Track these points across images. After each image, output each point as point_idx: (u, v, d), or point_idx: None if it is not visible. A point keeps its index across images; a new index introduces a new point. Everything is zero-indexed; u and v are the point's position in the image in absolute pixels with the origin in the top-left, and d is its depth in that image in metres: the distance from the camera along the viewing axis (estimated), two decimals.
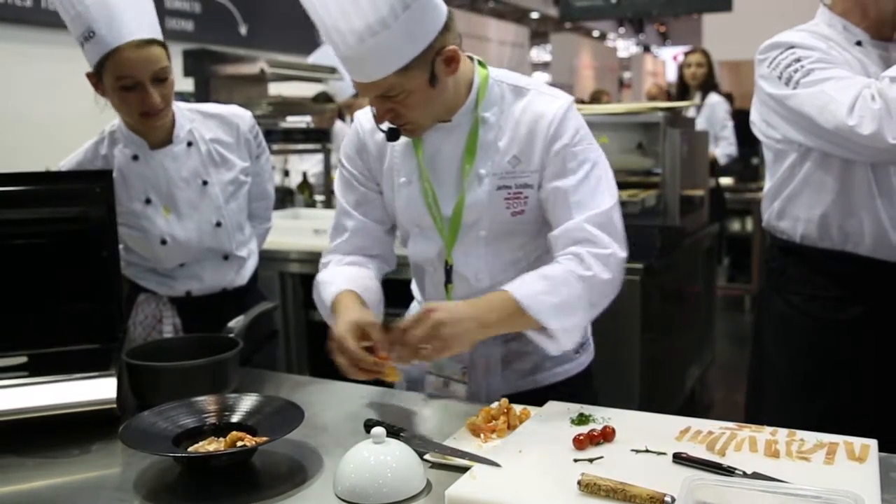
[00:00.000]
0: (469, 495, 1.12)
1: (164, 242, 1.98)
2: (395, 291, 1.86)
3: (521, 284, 1.45)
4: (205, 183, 2.01)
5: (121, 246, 1.92)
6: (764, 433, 1.30)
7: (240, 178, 2.08)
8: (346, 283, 1.59)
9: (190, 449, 1.30)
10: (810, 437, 1.28)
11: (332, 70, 4.63)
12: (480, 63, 1.58)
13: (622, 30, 21.24)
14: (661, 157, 3.39)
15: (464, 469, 1.20)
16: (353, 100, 5.18)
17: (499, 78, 1.57)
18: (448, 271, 1.61)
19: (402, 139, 1.56)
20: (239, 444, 1.29)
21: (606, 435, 1.29)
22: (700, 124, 5.35)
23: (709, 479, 1.09)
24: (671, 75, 17.54)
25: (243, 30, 6.79)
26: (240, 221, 2.10)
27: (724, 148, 5.65)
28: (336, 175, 1.78)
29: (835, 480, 1.12)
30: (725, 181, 6.01)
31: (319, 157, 4.59)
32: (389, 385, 1.71)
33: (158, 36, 1.83)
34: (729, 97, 6.40)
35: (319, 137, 4.40)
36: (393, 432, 1.31)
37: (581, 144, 1.52)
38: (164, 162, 1.97)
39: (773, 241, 1.99)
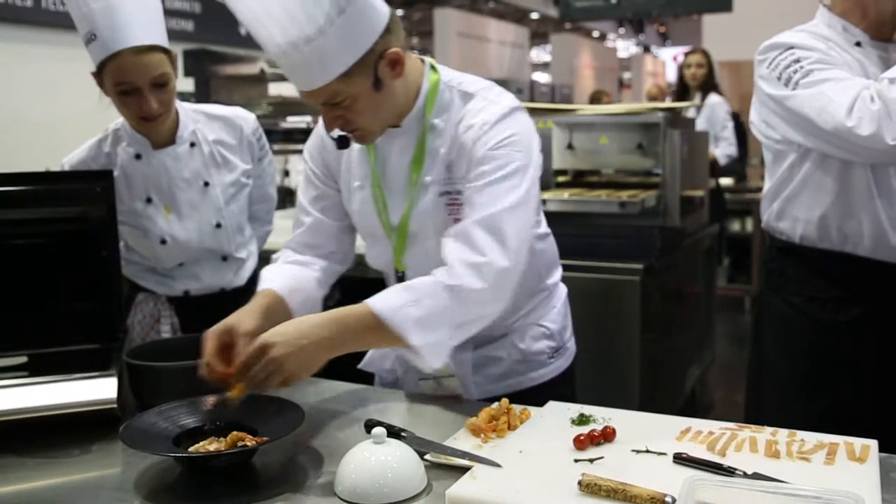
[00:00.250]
0: (469, 495, 1.12)
1: (164, 242, 1.99)
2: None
3: (383, 297, 1.36)
4: (206, 184, 2.02)
5: (121, 244, 1.93)
6: (764, 433, 1.30)
7: (241, 180, 2.08)
8: (274, 281, 1.59)
9: (190, 449, 1.30)
10: (810, 438, 1.28)
11: None
12: (433, 67, 1.53)
13: (622, 30, 21.23)
14: (661, 157, 3.39)
15: (464, 469, 1.20)
16: None
17: (451, 83, 1.52)
18: (400, 278, 1.58)
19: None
20: (239, 444, 1.29)
21: (607, 435, 1.29)
22: (700, 125, 5.36)
23: (709, 479, 1.09)
24: (671, 76, 17.55)
25: (243, 30, 6.75)
26: (240, 223, 2.10)
27: (724, 148, 5.65)
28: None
29: (835, 481, 1.12)
30: (725, 181, 6.01)
31: None
32: (391, 385, 1.72)
33: (161, 42, 1.82)
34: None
35: None
36: (393, 432, 1.31)
37: (505, 149, 1.42)
38: (167, 162, 1.98)
39: (773, 242, 1.99)
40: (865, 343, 1.84)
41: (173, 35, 1.97)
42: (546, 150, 3.62)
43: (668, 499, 1.06)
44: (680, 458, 1.20)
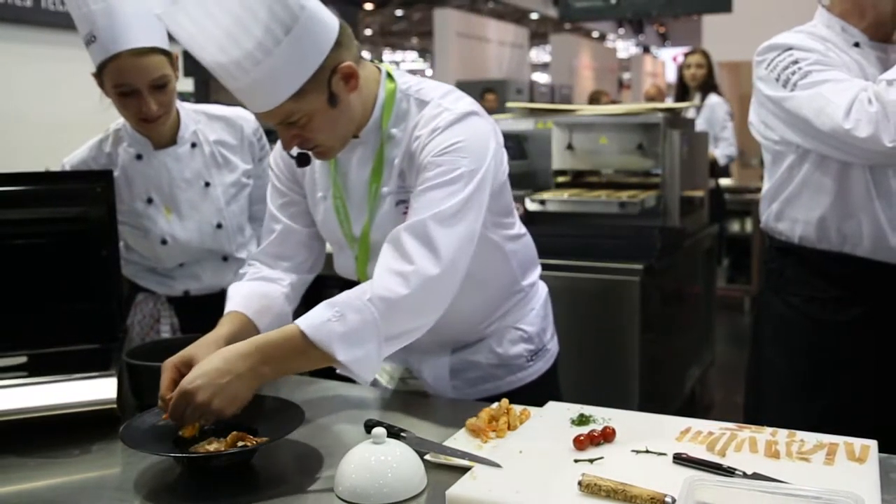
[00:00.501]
0: (469, 495, 1.12)
1: (164, 242, 1.99)
2: None
3: (308, 314, 1.31)
4: (207, 184, 2.02)
5: (121, 243, 1.93)
6: (764, 434, 1.30)
7: (242, 181, 2.08)
8: (240, 302, 1.56)
9: (190, 449, 1.30)
10: (810, 438, 1.28)
11: None
12: (390, 75, 1.50)
13: (622, 30, 21.25)
14: (660, 157, 3.40)
15: (464, 469, 1.20)
16: None
17: (408, 91, 1.48)
18: None
19: None
20: (239, 444, 1.29)
21: (607, 435, 1.29)
22: (700, 125, 5.36)
23: (709, 479, 1.09)
24: (671, 76, 17.56)
25: None
26: (240, 223, 2.11)
27: (723, 149, 5.65)
28: None
29: (835, 481, 1.13)
30: (725, 182, 6.01)
31: None
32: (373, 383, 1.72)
33: (161, 44, 1.81)
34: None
35: None
36: (393, 433, 1.31)
37: (449, 155, 1.37)
38: (168, 162, 1.98)
39: (772, 243, 1.99)
40: (865, 343, 1.84)
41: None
42: (546, 151, 3.63)
43: (667, 499, 1.06)
44: (680, 459, 1.20)
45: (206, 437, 1.33)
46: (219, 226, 2.04)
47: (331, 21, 1.35)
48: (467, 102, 1.46)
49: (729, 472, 1.16)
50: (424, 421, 1.48)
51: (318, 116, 1.37)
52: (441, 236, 1.33)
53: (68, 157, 2.01)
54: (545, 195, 3.43)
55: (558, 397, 1.64)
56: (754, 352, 2.07)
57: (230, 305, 1.57)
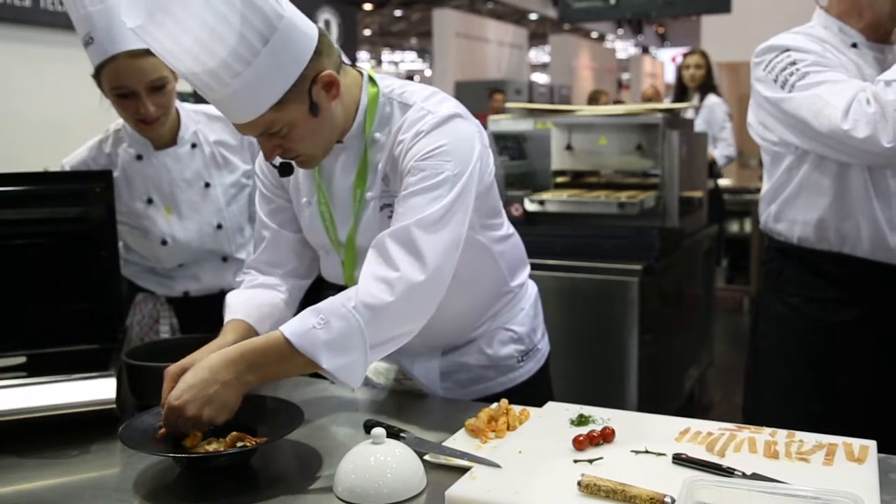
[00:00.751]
0: (469, 496, 1.13)
1: (164, 243, 1.99)
2: None
3: (295, 321, 1.29)
4: (207, 185, 2.02)
5: (120, 244, 1.93)
6: (763, 434, 1.30)
7: (242, 181, 2.08)
8: (241, 310, 1.56)
9: (190, 449, 1.30)
10: (809, 438, 1.28)
11: None
12: (372, 79, 1.48)
13: (621, 31, 21.25)
14: (660, 158, 3.40)
15: (464, 469, 1.20)
16: None
17: (391, 94, 1.47)
18: None
19: None
20: (239, 444, 1.29)
21: (606, 436, 1.29)
22: (699, 125, 5.36)
23: (708, 479, 1.09)
24: (670, 76, 17.57)
25: None
26: (240, 224, 2.11)
27: (722, 149, 5.66)
28: None
29: (834, 481, 1.13)
30: (724, 182, 6.01)
31: None
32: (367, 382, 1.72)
33: None
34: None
35: None
36: (393, 433, 1.31)
37: (433, 159, 1.36)
38: (168, 163, 1.98)
39: (771, 243, 2.00)
40: (864, 343, 1.84)
41: None
42: (545, 151, 3.63)
43: (667, 499, 1.06)
44: (679, 459, 1.20)
45: (206, 437, 1.33)
46: (219, 226, 2.04)
47: (310, 30, 1.34)
48: (451, 105, 1.44)
49: (728, 472, 1.16)
50: (423, 421, 1.48)
51: (299, 126, 1.35)
52: (426, 242, 1.31)
53: (68, 157, 2.01)
54: (544, 196, 3.44)
55: (550, 397, 1.63)
56: (753, 352, 2.07)
57: (231, 314, 1.56)
